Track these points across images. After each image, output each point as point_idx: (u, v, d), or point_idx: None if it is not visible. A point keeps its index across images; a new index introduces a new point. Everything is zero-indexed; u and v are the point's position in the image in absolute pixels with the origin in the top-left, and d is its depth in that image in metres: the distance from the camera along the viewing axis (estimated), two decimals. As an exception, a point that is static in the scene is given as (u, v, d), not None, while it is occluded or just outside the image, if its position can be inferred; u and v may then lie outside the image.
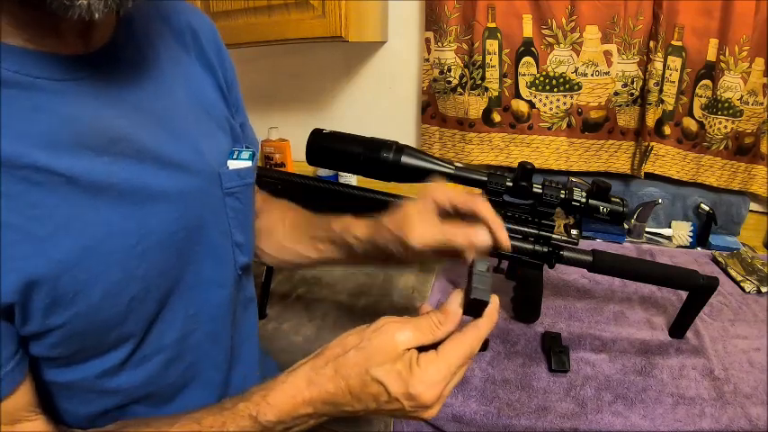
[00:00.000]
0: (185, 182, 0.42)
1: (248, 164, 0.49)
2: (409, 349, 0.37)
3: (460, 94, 1.25)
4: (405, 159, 0.56)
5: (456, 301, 0.40)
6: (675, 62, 1.09)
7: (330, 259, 0.57)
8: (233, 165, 0.48)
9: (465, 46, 1.20)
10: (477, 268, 0.40)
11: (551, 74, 1.18)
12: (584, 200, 0.64)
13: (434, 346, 0.39)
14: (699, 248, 1.19)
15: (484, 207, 0.46)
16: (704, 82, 1.11)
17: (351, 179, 1.39)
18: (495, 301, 0.40)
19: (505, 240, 0.46)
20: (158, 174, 0.39)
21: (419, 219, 0.47)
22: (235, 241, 0.49)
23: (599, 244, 1.18)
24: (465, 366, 0.39)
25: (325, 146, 0.59)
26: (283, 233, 0.59)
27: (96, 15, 0.30)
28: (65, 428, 0.40)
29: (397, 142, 0.57)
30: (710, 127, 1.13)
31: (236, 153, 0.49)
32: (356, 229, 0.52)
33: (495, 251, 0.70)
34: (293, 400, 0.37)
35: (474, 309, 0.40)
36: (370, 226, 0.51)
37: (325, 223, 0.55)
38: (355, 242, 0.52)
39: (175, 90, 0.44)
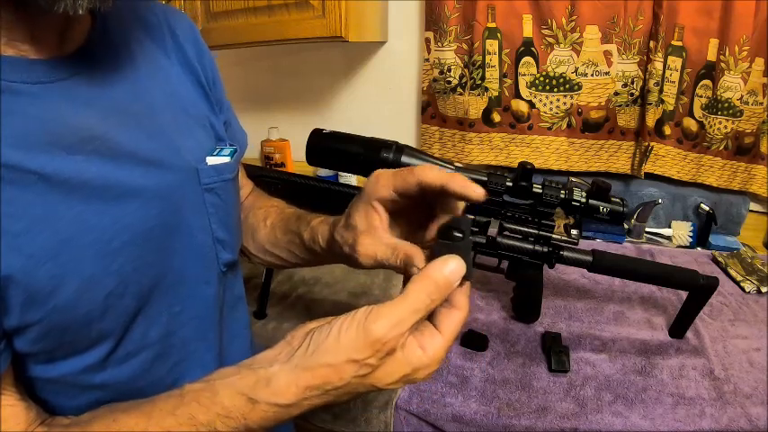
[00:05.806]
0: (161, 178, 0.42)
1: (227, 160, 0.49)
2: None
3: (460, 94, 1.25)
4: (405, 159, 0.56)
5: (449, 267, 0.33)
6: (675, 62, 1.09)
7: (307, 262, 0.57)
8: (211, 161, 0.48)
9: (465, 46, 1.20)
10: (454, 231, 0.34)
11: (551, 74, 1.18)
12: (584, 200, 0.64)
13: None
14: (699, 248, 1.19)
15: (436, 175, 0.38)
16: (704, 82, 1.11)
17: (351, 179, 1.39)
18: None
19: (478, 191, 0.38)
20: (133, 171, 0.40)
21: (369, 236, 0.42)
22: (216, 238, 0.49)
23: (599, 244, 1.18)
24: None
25: (325, 146, 0.59)
26: (264, 235, 0.59)
27: (80, 11, 0.31)
28: (46, 416, 0.40)
29: (397, 142, 0.57)
30: (710, 127, 1.13)
31: (218, 150, 0.50)
32: (320, 238, 0.51)
33: (494, 251, 0.71)
34: (277, 417, 0.35)
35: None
36: (330, 239, 0.48)
37: (297, 228, 0.54)
38: (320, 251, 0.51)
39: (151, 89, 0.45)
